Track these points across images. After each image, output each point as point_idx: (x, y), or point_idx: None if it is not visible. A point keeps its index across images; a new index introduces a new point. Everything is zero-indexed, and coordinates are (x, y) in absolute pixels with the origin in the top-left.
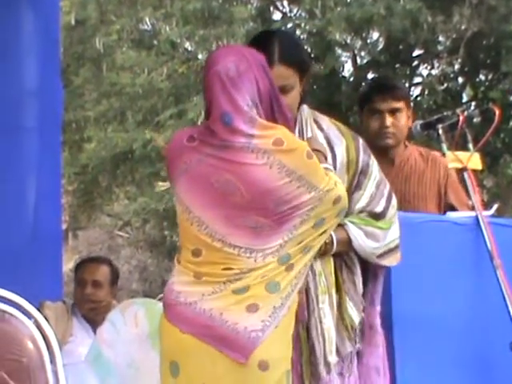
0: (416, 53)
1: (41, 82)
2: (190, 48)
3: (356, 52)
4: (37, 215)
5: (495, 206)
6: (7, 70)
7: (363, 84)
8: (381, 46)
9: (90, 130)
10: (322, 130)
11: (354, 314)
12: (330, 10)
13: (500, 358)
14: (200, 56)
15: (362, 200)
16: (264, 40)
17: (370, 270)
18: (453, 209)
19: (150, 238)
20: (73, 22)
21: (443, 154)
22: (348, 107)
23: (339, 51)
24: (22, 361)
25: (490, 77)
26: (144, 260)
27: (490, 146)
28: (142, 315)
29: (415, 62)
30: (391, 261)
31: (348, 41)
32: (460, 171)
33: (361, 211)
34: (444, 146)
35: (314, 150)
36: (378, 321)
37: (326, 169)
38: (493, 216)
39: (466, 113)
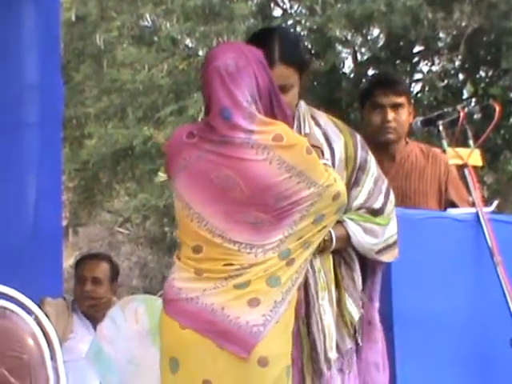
0: (416, 49)
1: (41, 79)
2: (190, 44)
3: (356, 48)
4: (37, 212)
5: (495, 203)
6: (8, 67)
7: (364, 80)
8: (381, 42)
9: (91, 127)
10: (319, 126)
11: (354, 311)
12: (330, 6)
13: (500, 355)
14: (200, 52)
15: (361, 196)
16: (264, 38)
17: (368, 266)
18: (453, 205)
19: (150, 235)
20: (73, 19)
21: (443, 151)
22: (348, 104)
23: (339, 48)
24: (23, 357)
25: (490, 73)
26: (144, 256)
27: (490, 142)
28: (142, 312)
29: (416, 59)
30: (389, 257)
31: (348, 37)
32: (460, 168)
33: (359, 208)
34: (444, 143)
35: (312, 146)
36: (376, 316)
37: (325, 165)
38: (493, 212)
39: (466, 109)
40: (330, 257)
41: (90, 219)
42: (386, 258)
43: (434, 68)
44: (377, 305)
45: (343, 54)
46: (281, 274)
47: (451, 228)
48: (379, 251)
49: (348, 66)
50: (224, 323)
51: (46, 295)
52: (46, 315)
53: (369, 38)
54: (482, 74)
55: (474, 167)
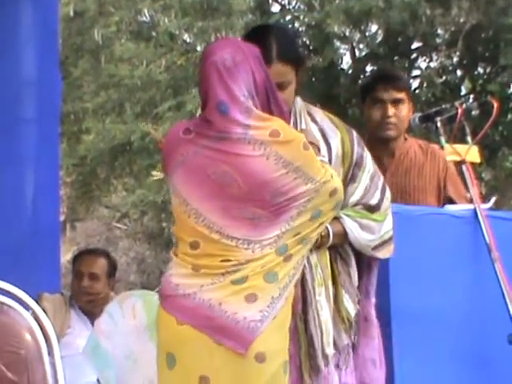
0: (414, 45)
1: (39, 74)
2: (188, 40)
3: (354, 44)
4: (35, 207)
5: (493, 199)
6: (6, 62)
7: (362, 76)
8: (379, 38)
9: (89, 122)
10: (315, 122)
11: (350, 307)
12: (328, 2)
13: (498, 351)
14: (199, 48)
15: (357, 193)
16: (260, 36)
17: (364, 261)
18: (451, 202)
19: (148, 230)
20: (71, 14)
21: (441, 147)
22: (346, 100)
23: (338, 44)
24: (20, 353)
25: (488, 70)
26: (142, 252)
27: (488, 138)
28: (139, 307)
29: (414, 55)
30: (385, 253)
31: (347, 33)
32: (458, 164)
33: (356, 204)
34: (442, 139)
35: (308, 142)
36: (373, 313)
37: (322, 161)
38: (491, 209)
39: (464, 105)
40: (327, 252)
41: (87, 214)
42: (382, 254)
43: (432, 64)
44: (373, 301)
45: (341, 50)
46: (278, 270)
47: (449, 224)
48: (375, 247)
49: (346, 62)
50: (221, 319)
51: (43, 290)
52: (44, 310)
53: (367, 34)
54: (480, 70)
55: (472, 164)
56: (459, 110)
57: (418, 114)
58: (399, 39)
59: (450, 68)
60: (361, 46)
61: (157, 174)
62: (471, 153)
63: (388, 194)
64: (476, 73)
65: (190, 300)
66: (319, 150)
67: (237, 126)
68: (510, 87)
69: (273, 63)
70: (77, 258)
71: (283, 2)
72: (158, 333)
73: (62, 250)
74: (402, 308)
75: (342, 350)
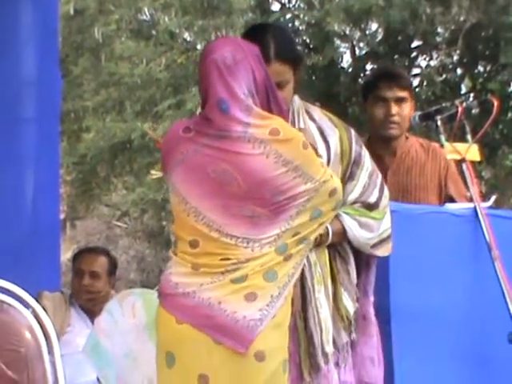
0: (415, 44)
1: (39, 72)
2: (188, 38)
3: (355, 43)
4: (35, 205)
5: (493, 198)
6: (6, 61)
7: (362, 75)
8: (379, 37)
9: (89, 120)
10: (313, 120)
11: (349, 305)
12: (328, 0)
13: (498, 350)
14: (199, 46)
15: (356, 191)
16: (258, 36)
17: (362, 260)
18: (452, 200)
19: (148, 229)
20: (71, 12)
21: (441, 146)
22: (346, 98)
23: (338, 42)
24: (20, 351)
25: (488, 68)
26: (142, 250)
27: (488, 137)
28: (139, 306)
29: (414, 53)
30: (384, 251)
31: (347, 32)
32: (458, 162)
33: (354, 202)
34: (442, 138)
35: None
36: (371, 311)
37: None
38: (491, 207)
39: (464, 104)
40: (326, 251)
41: (87, 213)
42: (381, 252)
43: (432, 63)
44: (371, 299)
45: (341, 49)
46: (278, 269)
47: (449, 223)
48: (374, 245)
49: (346, 60)
50: (221, 318)
51: (43, 289)
52: (44, 309)
53: (367, 32)
54: (481, 68)
55: (472, 162)
56: (459, 109)
57: (419, 113)
58: (399, 38)
59: (450, 66)
60: (361, 44)
61: (155, 173)
62: (471, 151)
63: (386, 192)
64: (476, 71)
65: (190, 299)
66: (317, 151)
67: (237, 124)
68: (510, 85)
69: (271, 62)
70: (77, 257)
71: (283, 1)
72: (158, 331)
73: (62, 248)
74: (401, 306)
75: (341, 348)
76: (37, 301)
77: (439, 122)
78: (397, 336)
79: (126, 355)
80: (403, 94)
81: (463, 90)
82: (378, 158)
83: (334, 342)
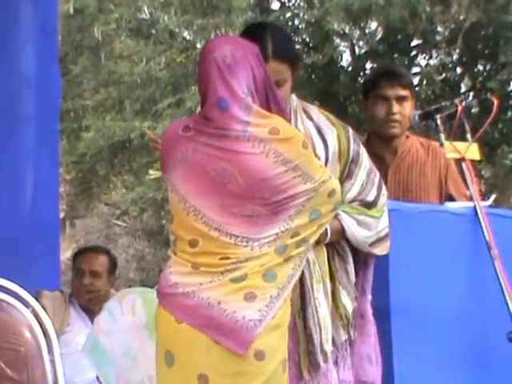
0: (414, 43)
1: (39, 71)
2: (188, 37)
3: (354, 42)
4: (34, 204)
5: (493, 197)
6: (5, 59)
7: (362, 74)
8: (379, 35)
9: (88, 119)
10: (311, 119)
11: (348, 303)
12: None
13: (498, 349)
14: (198, 45)
15: (354, 189)
16: (256, 35)
17: (360, 259)
18: (452, 199)
19: (147, 227)
20: (71, 11)
21: (441, 145)
22: (346, 97)
23: (337, 41)
24: (20, 350)
25: (488, 67)
26: (141, 249)
27: (488, 136)
28: (139, 305)
29: (413, 52)
30: (382, 249)
31: (346, 30)
32: (458, 161)
33: (352, 200)
34: (442, 137)
35: None
36: (369, 310)
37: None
38: (491, 206)
39: (464, 103)
40: (324, 249)
41: (87, 212)
42: (379, 250)
43: (431, 62)
44: (369, 297)
45: (341, 48)
46: (277, 270)
47: (449, 222)
48: (372, 244)
49: (346, 59)
50: (220, 317)
51: (43, 288)
52: (43, 308)
53: (367, 31)
54: (480, 67)
55: (472, 161)
56: (459, 108)
57: (418, 112)
58: (399, 36)
59: (450, 65)
60: (360, 43)
61: (154, 173)
62: (471, 150)
63: (384, 190)
64: (476, 70)
65: (189, 298)
66: (314, 150)
67: (236, 122)
68: (509, 85)
69: (269, 61)
70: (77, 256)
71: (283, 0)
72: (157, 331)
73: (61, 247)
74: (401, 304)
75: (340, 346)
76: (36, 300)
77: (439, 121)
78: (396, 334)
79: (125, 354)
80: (405, 92)
81: (463, 88)
82: (378, 157)
83: (333, 341)
